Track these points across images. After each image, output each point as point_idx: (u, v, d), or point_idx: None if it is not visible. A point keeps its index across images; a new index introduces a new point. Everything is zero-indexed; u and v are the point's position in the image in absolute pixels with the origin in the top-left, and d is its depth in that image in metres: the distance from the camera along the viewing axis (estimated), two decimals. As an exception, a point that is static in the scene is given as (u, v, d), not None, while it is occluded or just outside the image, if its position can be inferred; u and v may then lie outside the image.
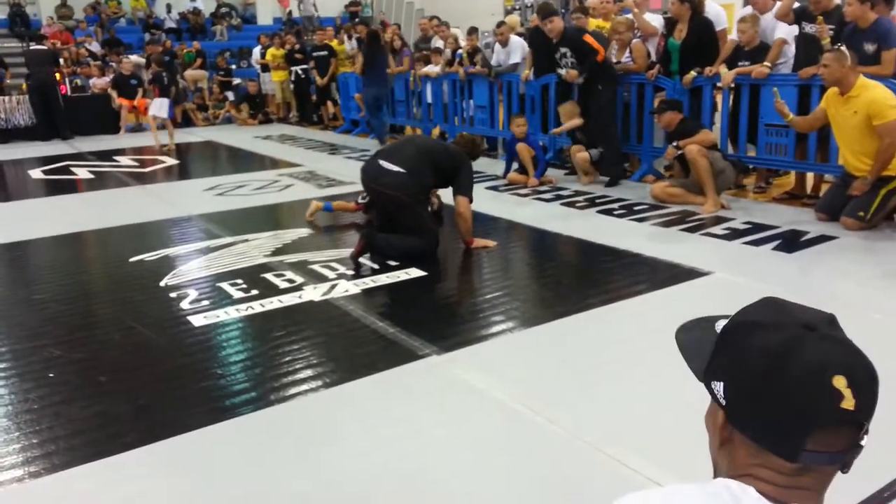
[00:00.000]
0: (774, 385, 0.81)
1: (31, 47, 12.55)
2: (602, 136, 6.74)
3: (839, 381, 0.78)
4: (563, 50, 6.86)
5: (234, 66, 15.11)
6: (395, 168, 4.56)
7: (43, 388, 2.94)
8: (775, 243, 4.61)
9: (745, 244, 4.64)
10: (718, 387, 0.87)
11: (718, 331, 0.92)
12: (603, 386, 2.81)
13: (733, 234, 4.85)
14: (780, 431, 0.81)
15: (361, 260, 4.48)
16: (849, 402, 0.78)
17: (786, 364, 0.80)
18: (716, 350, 0.90)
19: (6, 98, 12.02)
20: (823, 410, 0.79)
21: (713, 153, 5.57)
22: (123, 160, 9.51)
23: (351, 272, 4.28)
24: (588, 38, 6.63)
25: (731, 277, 4.00)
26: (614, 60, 6.98)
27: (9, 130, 11.86)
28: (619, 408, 2.63)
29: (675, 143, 5.70)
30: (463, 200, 4.72)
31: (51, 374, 3.06)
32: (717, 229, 4.99)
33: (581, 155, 6.80)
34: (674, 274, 4.10)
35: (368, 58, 9.83)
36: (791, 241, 4.65)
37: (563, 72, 6.95)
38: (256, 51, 14.17)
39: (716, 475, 0.93)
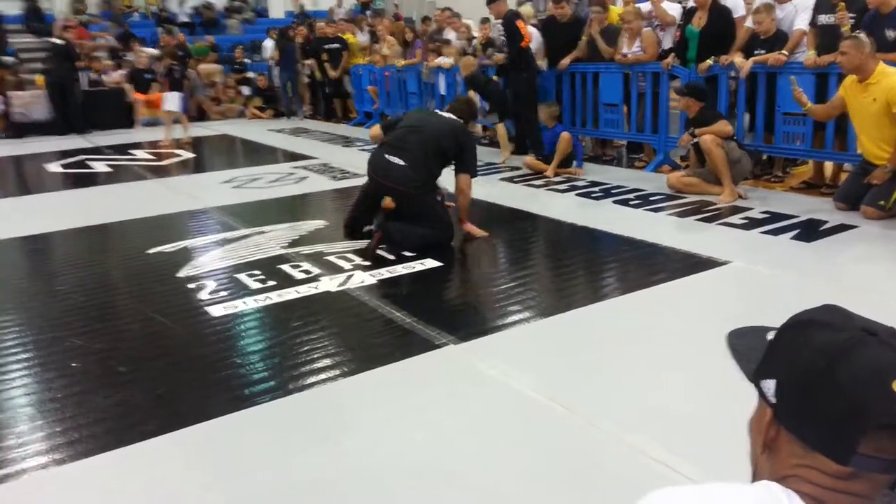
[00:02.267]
0: (830, 383, 0.79)
1: (50, 41, 12.64)
2: (521, 117, 7.54)
3: None
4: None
5: (248, 61, 15.15)
6: (401, 162, 4.53)
7: (65, 377, 2.97)
8: (794, 232, 4.58)
9: (764, 233, 4.60)
10: (769, 384, 0.85)
11: (769, 339, 0.90)
12: (621, 375, 2.80)
13: (751, 224, 4.81)
14: (833, 432, 0.79)
15: (379, 251, 4.49)
16: None
17: (844, 363, 0.78)
18: (770, 348, 0.88)
19: (23, 93, 12.12)
20: (880, 413, 0.76)
21: (728, 143, 5.52)
22: (140, 154, 9.57)
23: (367, 263, 4.29)
24: (519, 24, 7.36)
25: (750, 266, 3.98)
26: (624, 50, 6.96)
27: (26, 125, 11.96)
28: (638, 397, 2.62)
29: (691, 131, 5.66)
30: (465, 178, 4.74)
31: (73, 364, 3.09)
32: (735, 219, 4.95)
33: (501, 131, 7.73)
34: (691, 263, 4.08)
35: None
36: (810, 230, 4.61)
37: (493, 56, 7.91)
38: (268, 44, 14.19)
39: (754, 480, 0.90)
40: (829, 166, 6.02)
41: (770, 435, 0.86)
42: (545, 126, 6.97)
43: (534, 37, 8.23)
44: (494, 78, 8.01)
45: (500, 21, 7.74)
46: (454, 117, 4.83)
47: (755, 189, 5.85)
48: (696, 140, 5.61)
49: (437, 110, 4.95)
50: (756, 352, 0.90)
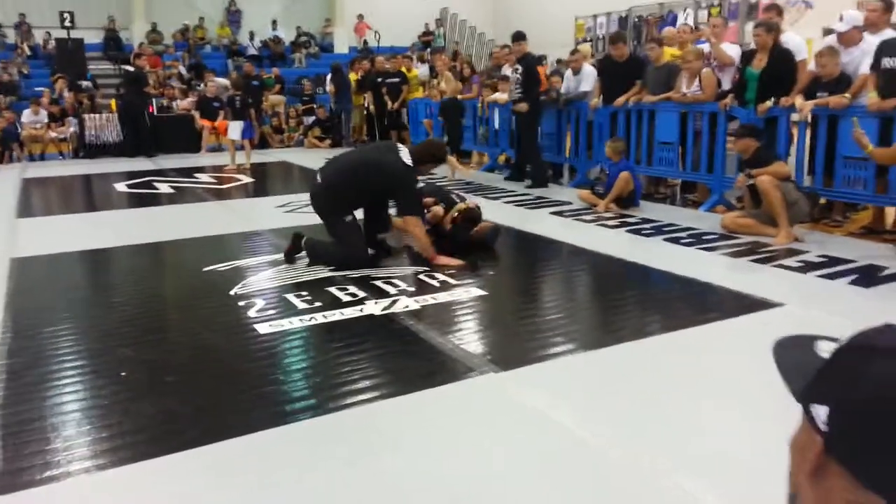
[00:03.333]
0: (892, 419, 0.73)
1: (123, 68, 13.29)
2: (525, 151, 8.55)
3: None
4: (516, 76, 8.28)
5: (316, 93, 15.62)
6: (319, 180, 4.92)
7: (114, 385, 3.06)
8: (852, 277, 4.43)
9: (820, 277, 4.47)
10: (820, 411, 0.78)
11: (819, 352, 0.84)
12: (666, 414, 2.73)
13: (807, 267, 4.68)
14: (892, 472, 0.73)
15: (424, 277, 4.52)
16: None
17: None
18: (824, 369, 0.81)
19: (97, 116, 12.73)
20: None
21: (786, 184, 5.41)
22: (203, 177, 9.90)
23: (412, 289, 4.32)
24: (540, 69, 8.31)
25: (804, 311, 3.86)
26: (684, 90, 6.94)
27: (98, 146, 12.53)
28: (682, 436, 2.55)
29: (747, 171, 5.57)
30: (408, 220, 4.84)
31: (122, 373, 3.18)
32: (790, 261, 4.83)
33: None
34: (743, 304, 3.98)
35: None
36: (869, 276, 4.46)
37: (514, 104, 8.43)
38: (328, 77, 14.62)
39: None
40: (890, 212, 5.83)
41: (818, 464, 0.79)
42: (610, 161, 6.92)
43: (590, 74, 8.32)
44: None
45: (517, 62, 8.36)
46: (404, 158, 4.84)
47: (812, 232, 5.70)
48: (752, 181, 5.51)
49: (399, 146, 5.02)
50: (804, 367, 0.83)
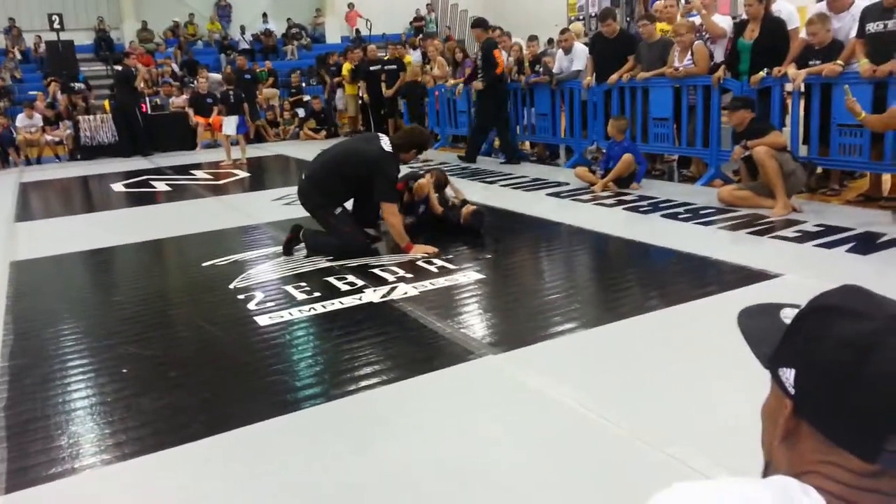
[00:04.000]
0: (855, 377, 0.74)
1: (114, 69, 13.26)
2: (485, 129, 9.31)
3: None
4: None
5: (304, 84, 15.58)
6: (303, 176, 5.03)
7: (116, 381, 3.08)
8: (850, 245, 4.43)
9: (818, 246, 4.47)
10: (788, 374, 0.80)
11: (785, 319, 0.86)
12: (666, 387, 2.75)
13: (805, 237, 4.68)
14: (859, 428, 0.74)
15: (420, 264, 4.53)
16: None
17: (871, 356, 0.74)
18: (788, 334, 0.83)
19: (91, 117, 12.71)
20: None
21: (782, 154, 5.40)
22: (199, 174, 9.90)
23: (410, 275, 4.33)
24: (496, 52, 8.68)
25: (803, 279, 3.86)
26: (676, 63, 6.90)
27: (93, 147, 12.52)
28: (682, 410, 2.56)
29: (743, 143, 5.55)
30: (384, 207, 4.82)
31: (124, 370, 3.20)
32: (788, 232, 4.82)
33: None
34: (742, 276, 3.99)
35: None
36: (867, 243, 4.46)
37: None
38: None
39: (767, 471, 0.86)
40: (887, 178, 5.81)
41: (789, 427, 0.81)
42: (613, 140, 6.87)
43: (581, 53, 8.29)
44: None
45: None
46: (385, 146, 4.86)
47: (810, 202, 5.69)
48: (748, 152, 5.49)
49: (381, 136, 5.03)
50: (770, 333, 0.85)
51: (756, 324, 0.90)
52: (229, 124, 10.82)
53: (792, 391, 0.80)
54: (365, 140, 5.27)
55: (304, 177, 5.05)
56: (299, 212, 6.60)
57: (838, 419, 0.76)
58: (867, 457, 0.74)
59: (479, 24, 9.02)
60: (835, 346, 0.76)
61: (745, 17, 6.57)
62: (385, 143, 4.91)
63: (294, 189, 7.81)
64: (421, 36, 15.32)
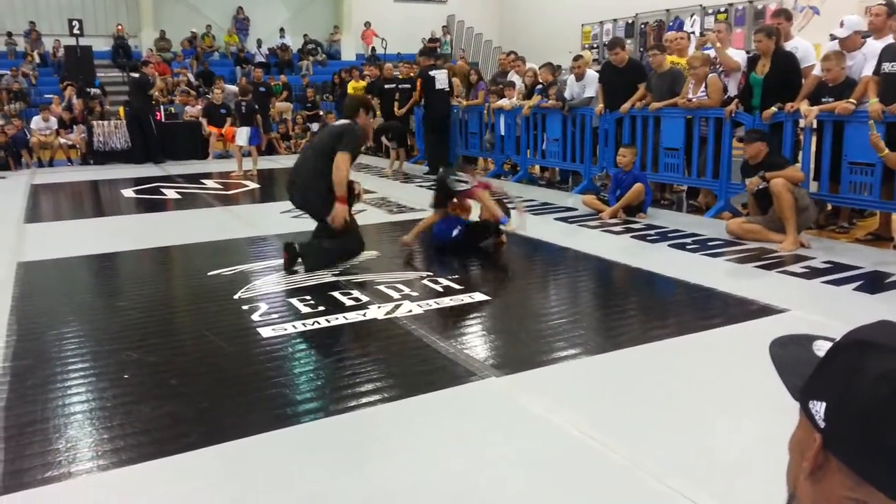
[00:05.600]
0: (890, 414, 0.73)
1: (131, 76, 13.37)
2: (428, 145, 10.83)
3: None
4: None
5: (318, 99, 15.69)
6: (296, 185, 5.04)
7: (117, 387, 3.07)
8: (857, 283, 4.41)
9: (825, 283, 4.45)
10: (818, 407, 0.78)
11: (818, 351, 0.84)
12: (668, 418, 2.73)
13: (812, 273, 4.66)
14: (890, 465, 0.73)
15: (426, 283, 4.53)
16: None
17: None
18: (821, 366, 0.81)
19: (105, 122, 12.81)
20: None
21: (799, 189, 5.39)
22: (209, 183, 9.95)
23: (415, 293, 4.33)
24: (419, 81, 10.56)
25: (809, 316, 3.84)
26: (689, 95, 6.93)
27: (106, 153, 12.60)
28: (684, 441, 2.54)
29: (762, 174, 5.52)
30: (339, 156, 4.79)
31: (125, 376, 3.19)
32: (796, 267, 4.80)
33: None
34: (748, 310, 3.97)
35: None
36: (875, 282, 4.44)
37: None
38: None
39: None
40: (897, 218, 5.80)
41: (817, 461, 0.79)
42: (621, 169, 6.86)
43: (593, 80, 8.34)
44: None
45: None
46: (342, 120, 5.16)
47: (819, 239, 5.67)
48: (765, 184, 5.47)
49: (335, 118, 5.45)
50: (802, 364, 0.84)
51: (788, 353, 0.88)
52: (241, 135, 10.88)
53: (822, 424, 0.78)
54: (324, 131, 5.53)
55: (295, 186, 5.09)
56: (307, 225, 6.61)
57: (869, 455, 0.74)
58: None
59: (423, 52, 10.47)
60: (869, 380, 0.75)
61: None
62: (340, 121, 5.24)
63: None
64: (438, 56, 15.39)
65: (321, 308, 4.06)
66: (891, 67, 5.43)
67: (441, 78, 10.43)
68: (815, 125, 5.98)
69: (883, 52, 5.55)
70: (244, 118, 10.93)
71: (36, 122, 12.47)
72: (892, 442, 0.72)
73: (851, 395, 0.76)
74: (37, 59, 17.43)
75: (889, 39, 5.72)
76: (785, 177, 5.37)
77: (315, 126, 14.49)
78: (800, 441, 0.83)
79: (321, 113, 14.75)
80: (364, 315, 3.93)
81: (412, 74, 12.68)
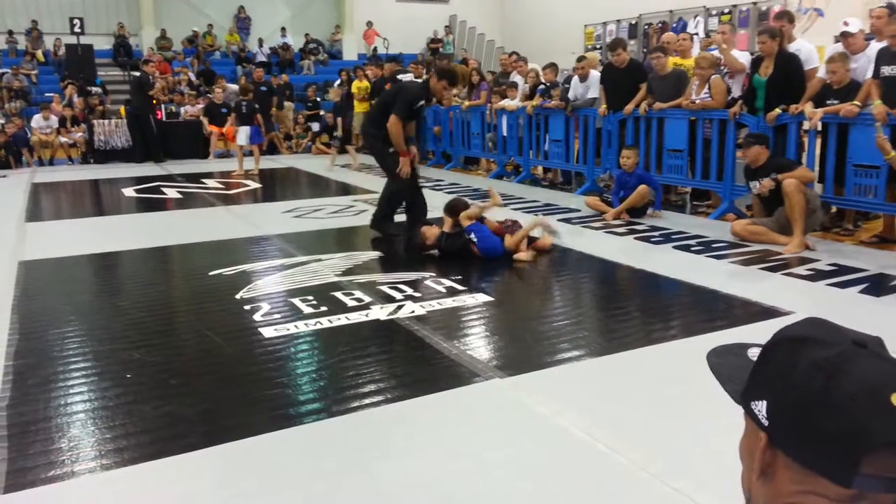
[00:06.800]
0: (826, 402, 0.74)
1: (132, 75, 13.35)
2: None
3: None
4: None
5: (319, 99, 15.66)
6: (364, 129, 6.25)
7: (119, 387, 3.05)
8: (862, 286, 4.39)
9: (830, 286, 4.43)
10: (760, 406, 0.80)
11: (753, 357, 0.86)
12: (671, 419, 2.71)
13: (817, 276, 4.64)
14: (833, 453, 0.74)
15: (428, 283, 4.51)
16: None
17: (838, 380, 0.74)
18: (757, 366, 0.83)
19: (105, 121, 12.79)
20: (880, 429, 0.72)
21: (811, 191, 5.36)
22: (210, 182, 9.93)
23: (418, 294, 4.31)
24: (387, 85, 9.80)
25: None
26: (693, 96, 6.91)
27: (107, 151, 12.59)
28: (687, 442, 2.53)
29: (774, 176, 5.48)
30: (391, 118, 5.77)
31: (127, 375, 3.18)
32: (801, 270, 4.78)
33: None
34: (752, 312, 3.95)
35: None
36: (879, 285, 4.41)
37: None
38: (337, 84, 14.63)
39: None
40: (902, 220, 5.77)
41: (766, 460, 0.81)
42: (622, 170, 6.83)
43: (597, 81, 8.34)
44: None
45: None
46: (414, 78, 6.22)
47: (824, 241, 5.65)
48: (775, 185, 5.43)
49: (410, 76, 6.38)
50: (740, 371, 0.86)
51: (725, 362, 0.91)
52: (242, 135, 10.86)
53: (765, 423, 0.80)
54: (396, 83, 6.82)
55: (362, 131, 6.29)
56: (308, 225, 6.63)
57: (811, 445, 0.76)
58: (843, 482, 0.74)
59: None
60: (803, 372, 0.77)
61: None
62: (413, 78, 6.36)
63: (305, 202, 7.94)
64: (438, 56, 15.40)
65: (323, 308, 4.03)
66: (890, 71, 5.41)
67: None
68: (819, 127, 5.96)
69: (879, 56, 5.53)
70: (245, 118, 10.91)
71: (37, 120, 12.46)
72: (830, 428, 0.74)
73: (789, 388, 0.78)
74: (38, 58, 17.41)
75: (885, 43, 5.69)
76: (797, 177, 5.34)
77: (316, 126, 14.48)
78: (748, 445, 0.85)
79: (321, 113, 14.72)
80: (366, 315, 3.91)
81: (418, 74, 12.69)
